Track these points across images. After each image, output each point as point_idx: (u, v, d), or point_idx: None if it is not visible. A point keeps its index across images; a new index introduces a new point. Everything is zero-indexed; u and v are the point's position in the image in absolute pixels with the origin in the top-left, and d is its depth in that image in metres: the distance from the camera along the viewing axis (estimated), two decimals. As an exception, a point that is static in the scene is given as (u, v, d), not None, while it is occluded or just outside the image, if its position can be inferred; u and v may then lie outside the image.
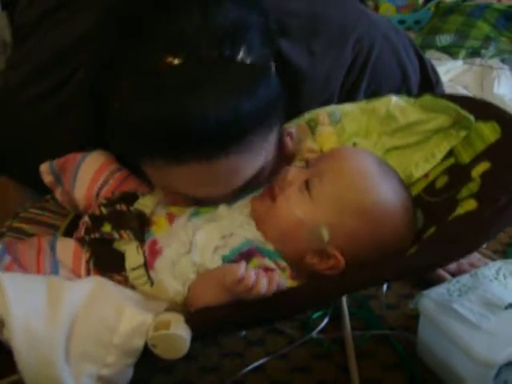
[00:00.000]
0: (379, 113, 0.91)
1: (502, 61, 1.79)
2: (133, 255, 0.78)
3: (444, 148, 0.85)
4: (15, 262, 0.74)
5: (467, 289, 0.86)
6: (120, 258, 0.78)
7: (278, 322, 0.93)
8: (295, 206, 0.75)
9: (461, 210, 0.73)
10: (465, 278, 0.89)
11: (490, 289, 0.86)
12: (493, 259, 1.06)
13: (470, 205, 0.72)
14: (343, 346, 0.91)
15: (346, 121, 0.92)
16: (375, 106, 0.92)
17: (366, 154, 0.82)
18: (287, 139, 0.85)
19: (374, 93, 0.98)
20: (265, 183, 0.81)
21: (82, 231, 0.82)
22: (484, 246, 0.68)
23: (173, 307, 0.70)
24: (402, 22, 2.13)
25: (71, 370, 0.61)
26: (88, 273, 0.78)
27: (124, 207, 0.82)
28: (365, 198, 0.75)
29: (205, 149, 0.68)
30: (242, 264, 0.64)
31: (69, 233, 0.87)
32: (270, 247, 0.75)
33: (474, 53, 1.82)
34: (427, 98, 0.88)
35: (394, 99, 0.91)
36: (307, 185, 0.76)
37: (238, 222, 0.77)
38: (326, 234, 0.74)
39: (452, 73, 1.76)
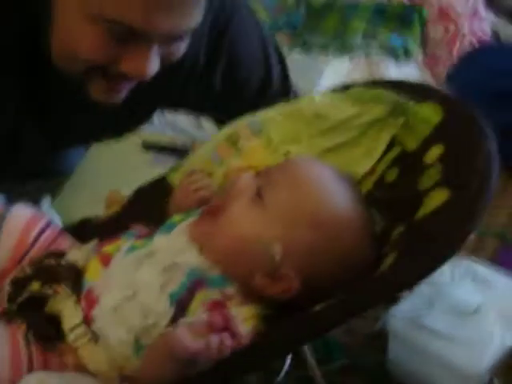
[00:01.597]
0: (305, 114, 0.84)
1: (386, 54, 1.82)
2: (70, 313, 0.67)
3: (384, 139, 0.79)
4: None
5: (431, 300, 0.83)
6: (57, 322, 0.67)
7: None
8: (243, 219, 0.68)
9: (431, 202, 0.66)
10: (425, 289, 0.86)
11: (452, 295, 0.84)
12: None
13: (441, 195, 0.66)
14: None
15: (270, 129, 0.85)
16: (299, 108, 0.85)
17: (321, 163, 0.76)
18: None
19: (230, 65, 0.96)
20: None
21: (3, 303, 0.70)
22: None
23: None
24: (274, 24, 2.09)
25: None
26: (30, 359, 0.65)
27: (53, 261, 0.72)
28: (320, 208, 0.68)
29: None
30: (184, 331, 0.58)
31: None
32: (214, 273, 0.67)
33: (356, 50, 1.84)
34: (358, 90, 0.83)
35: (317, 97, 0.84)
36: (259, 193, 0.69)
37: (176, 249, 0.69)
38: (278, 251, 0.66)
39: (340, 73, 1.76)
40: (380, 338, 0.86)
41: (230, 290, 0.66)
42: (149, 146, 1.53)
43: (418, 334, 0.79)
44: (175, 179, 0.87)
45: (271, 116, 0.86)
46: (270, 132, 0.84)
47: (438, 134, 0.72)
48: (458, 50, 1.84)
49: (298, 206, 0.68)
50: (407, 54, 1.83)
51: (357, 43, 1.85)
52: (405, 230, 0.66)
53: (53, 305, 0.69)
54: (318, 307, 0.60)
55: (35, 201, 1.18)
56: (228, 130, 0.87)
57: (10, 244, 0.75)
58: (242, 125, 0.86)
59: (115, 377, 0.66)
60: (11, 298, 0.69)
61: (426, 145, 0.72)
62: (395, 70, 1.76)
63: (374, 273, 0.63)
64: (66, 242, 0.79)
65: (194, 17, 0.75)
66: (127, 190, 1.38)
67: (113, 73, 0.78)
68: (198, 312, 0.64)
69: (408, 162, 0.74)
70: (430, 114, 0.74)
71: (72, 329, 0.66)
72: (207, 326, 0.61)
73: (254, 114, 0.87)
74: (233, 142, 0.85)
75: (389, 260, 0.63)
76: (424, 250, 0.59)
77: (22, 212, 0.78)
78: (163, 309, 0.64)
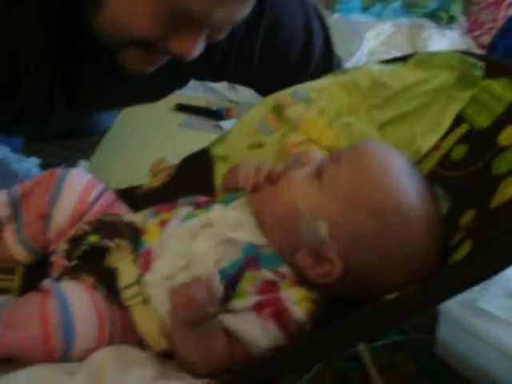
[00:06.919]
0: (362, 85, 0.79)
1: (429, 18, 1.77)
2: (127, 271, 0.66)
3: (450, 113, 0.74)
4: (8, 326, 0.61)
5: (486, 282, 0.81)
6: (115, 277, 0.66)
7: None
8: (296, 190, 0.65)
9: (510, 189, 0.59)
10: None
11: (507, 277, 0.81)
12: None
13: None
14: (360, 362, 0.83)
15: (324, 99, 0.81)
16: (354, 79, 0.80)
17: (396, 152, 0.69)
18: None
19: (272, 28, 0.94)
20: None
21: (60, 261, 0.69)
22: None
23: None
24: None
25: None
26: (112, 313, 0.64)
27: (113, 217, 0.71)
28: (384, 195, 0.62)
29: None
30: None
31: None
32: (269, 250, 0.65)
33: (398, 12, 1.78)
34: (423, 54, 0.78)
35: (374, 66, 0.79)
36: (319, 170, 0.65)
37: (233, 222, 0.66)
38: (324, 229, 0.62)
39: (382, 36, 1.71)
40: (429, 318, 0.84)
41: (283, 268, 0.64)
42: (182, 108, 1.52)
43: (471, 316, 0.75)
44: (219, 151, 0.85)
45: (323, 86, 0.82)
46: (323, 103, 0.80)
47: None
48: (503, 15, 1.77)
49: (360, 189, 0.63)
50: (450, 18, 1.78)
51: (398, 6, 1.79)
52: (477, 217, 0.62)
53: (110, 260, 0.67)
54: (391, 296, 0.56)
55: (73, 165, 1.18)
56: (272, 100, 0.83)
57: (69, 204, 0.74)
58: (285, 94, 0.83)
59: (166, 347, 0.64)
60: (69, 255, 0.68)
61: (499, 124, 0.67)
62: (438, 36, 1.71)
63: (446, 259, 0.60)
64: (121, 208, 0.78)
65: (250, 6, 0.76)
66: (157, 152, 1.38)
67: (157, 48, 0.78)
68: (247, 292, 0.62)
69: (478, 141, 0.69)
70: (502, 91, 0.69)
71: (126, 287, 0.65)
72: (256, 307, 0.60)
73: (302, 84, 0.83)
74: (279, 112, 0.82)
75: (464, 248, 0.59)
76: (503, 242, 0.53)
77: (80, 174, 0.78)
78: None
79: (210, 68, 0.98)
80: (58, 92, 0.88)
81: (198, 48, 0.77)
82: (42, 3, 0.77)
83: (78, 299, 0.63)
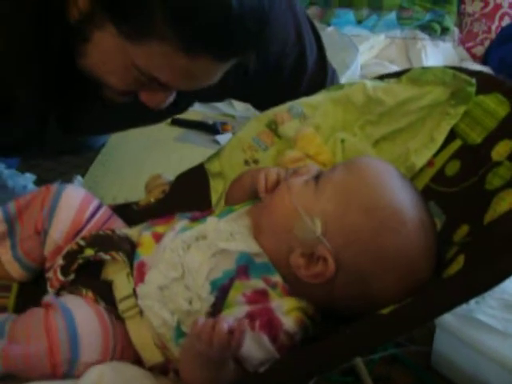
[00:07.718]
0: (356, 101, 0.80)
1: (422, 30, 1.78)
2: (123, 283, 0.67)
3: (444, 129, 0.74)
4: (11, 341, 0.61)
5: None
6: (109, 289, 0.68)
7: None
8: (293, 192, 0.66)
9: (503, 204, 0.60)
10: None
11: (505, 289, 0.81)
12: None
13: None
14: (357, 376, 0.83)
15: (318, 115, 0.82)
16: (349, 95, 0.81)
17: (392, 166, 0.70)
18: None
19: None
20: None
21: (57, 276, 0.69)
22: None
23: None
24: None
25: None
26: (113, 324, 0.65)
27: (109, 231, 0.72)
28: (377, 195, 0.63)
29: (237, 50, 0.73)
30: (201, 319, 0.56)
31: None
32: (263, 259, 0.65)
33: (392, 25, 1.79)
34: (416, 70, 0.79)
35: (368, 83, 0.80)
36: (317, 178, 0.67)
37: (226, 233, 0.67)
38: (318, 226, 0.63)
39: (376, 48, 1.72)
40: (425, 330, 0.84)
41: (275, 277, 0.64)
42: (178, 122, 1.52)
43: (468, 327, 0.76)
44: (214, 167, 0.85)
45: (317, 102, 0.82)
46: (318, 119, 0.81)
47: (504, 129, 0.67)
48: (496, 26, 1.79)
49: (352, 188, 0.64)
50: (443, 30, 1.79)
51: (392, 19, 1.80)
52: (471, 232, 0.62)
53: (106, 274, 0.68)
54: (386, 310, 0.57)
55: (69, 180, 1.18)
56: (268, 115, 0.84)
57: (66, 221, 0.74)
58: (281, 109, 0.83)
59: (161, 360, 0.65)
60: (64, 270, 0.69)
61: (492, 139, 0.68)
62: (431, 47, 1.72)
63: (439, 273, 0.61)
64: (117, 223, 0.78)
65: (218, 76, 0.78)
66: (153, 166, 1.38)
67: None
68: (236, 303, 0.62)
69: (471, 156, 0.70)
70: (495, 107, 0.70)
71: (122, 299, 0.66)
72: (248, 318, 0.60)
73: (297, 100, 0.84)
74: (274, 128, 0.83)
75: (458, 263, 0.59)
76: (497, 257, 0.54)
77: (76, 190, 0.78)
78: (205, 295, 0.63)
79: (215, 91, 1.00)
80: (52, 121, 0.90)
81: (167, 100, 0.80)
82: (39, 40, 0.78)
83: (82, 312, 0.63)
